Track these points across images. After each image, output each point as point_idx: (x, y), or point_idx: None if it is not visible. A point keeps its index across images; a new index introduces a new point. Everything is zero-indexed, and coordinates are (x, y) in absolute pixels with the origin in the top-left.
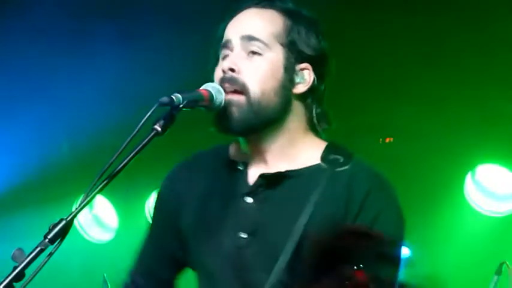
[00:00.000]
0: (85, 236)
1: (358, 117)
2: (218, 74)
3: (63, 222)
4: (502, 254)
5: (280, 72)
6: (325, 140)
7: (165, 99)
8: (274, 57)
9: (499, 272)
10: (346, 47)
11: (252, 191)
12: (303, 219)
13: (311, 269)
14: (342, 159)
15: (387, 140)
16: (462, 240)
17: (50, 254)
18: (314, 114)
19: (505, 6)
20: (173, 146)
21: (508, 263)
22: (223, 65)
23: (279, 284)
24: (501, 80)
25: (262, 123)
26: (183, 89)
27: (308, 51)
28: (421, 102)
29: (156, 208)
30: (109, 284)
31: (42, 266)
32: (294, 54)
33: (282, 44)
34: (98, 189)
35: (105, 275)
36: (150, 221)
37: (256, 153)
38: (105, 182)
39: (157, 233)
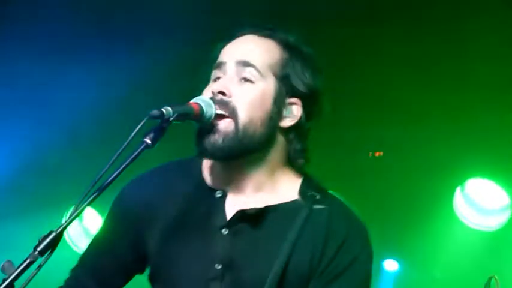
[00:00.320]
0: (74, 248)
1: (348, 131)
2: (207, 94)
3: (53, 234)
4: (491, 268)
5: (269, 103)
6: (300, 172)
7: (155, 112)
8: (266, 87)
9: (488, 286)
10: (336, 62)
11: (229, 224)
12: (281, 260)
13: None
14: (318, 196)
15: (377, 154)
16: (451, 254)
17: (40, 266)
18: (294, 150)
19: (493, 22)
20: (164, 159)
21: (496, 277)
22: (213, 87)
23: None
24: (490, 95)
25: (245, 151)
26: (174, 101)
27: (300, 87)
28: (411, 116)
29: (116, 212)
30: None
31: (32, 278)
32: (286, 88)
33: (275, 76)
34: (87, 202)
35: None
36: (105, 222)
37: (235, 181)
38: (95, 194)
39: (113, 239)
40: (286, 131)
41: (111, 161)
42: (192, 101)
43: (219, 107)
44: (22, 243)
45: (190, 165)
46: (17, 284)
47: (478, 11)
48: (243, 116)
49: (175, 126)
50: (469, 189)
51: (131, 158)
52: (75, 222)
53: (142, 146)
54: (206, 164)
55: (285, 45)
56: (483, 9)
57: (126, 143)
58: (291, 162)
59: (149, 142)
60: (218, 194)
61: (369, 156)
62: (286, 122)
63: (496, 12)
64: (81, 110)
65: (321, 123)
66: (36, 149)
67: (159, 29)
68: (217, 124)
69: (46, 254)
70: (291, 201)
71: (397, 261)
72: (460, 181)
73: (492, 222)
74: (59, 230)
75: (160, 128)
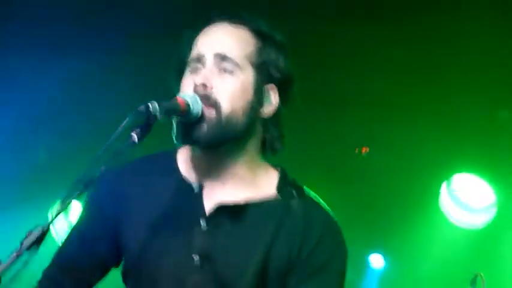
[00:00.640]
0: (60, 242)
1: (334, 127)
2: (188, 86)
3: (40, 229)
4: (477, 265)
5: (250, 92)
6: (276, 166)
7: (141, 108)
8: (245, 78)
9: (473, 283)
10: (324, 58)
11: (208, 218)
12: (259, 255)
13: None
14: (295, 193)
15: (363, 150)
16: (437, 252)
17: (26, 261)
18: (272, 136)
19: (483, 22)
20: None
21: (482, 275)
22: (195, 80)
23: None
24: (478, 91)
25: (227, 139)
26: (161, 95)
27: (276, 73)
28: (398, 112)
29: (90, 208)
30: None
31: (19, 272)
32: (263, 76)
33: (252, 65)
34: (73, 196)
35: None
36: (80, 218)
37: (213, 173)
38: (81, 189)
39: (88, 234)
40: (265, 118)
41: (98, 156)
42: (178, 97)
43: (202, 100)
44: (7, 238)
45: (165, 159)
46: (4, 278)
47: (468, 11)
48: (225, 107)
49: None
50: (455, 185)
51: (117, 153)
52: (61, 217)
53: (128, 142)
54: (182, 157)
55: (258, 33)
56: (473, 9)
57: (112, 138)
58: (268, 149)
59: (135, 138)
60: (196, 187)
61: (355, 152)
62: (265, 110)
63: (486, 12)
64: (69, 105)
65: (309, 119)
66: (23, 143)
67: (144, 24)
68: (203, 116)
69: (33, 248)
70: (269, 197)
71: (383, 257)
72: (447, 176)
73: (478, 221)
74: (46, 224)
75: (147, 123)
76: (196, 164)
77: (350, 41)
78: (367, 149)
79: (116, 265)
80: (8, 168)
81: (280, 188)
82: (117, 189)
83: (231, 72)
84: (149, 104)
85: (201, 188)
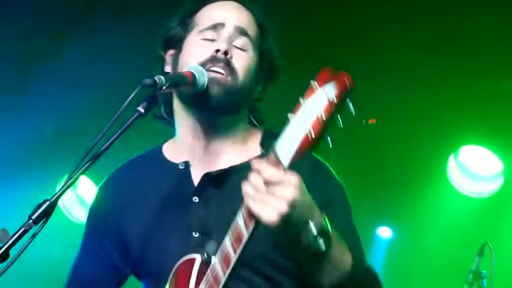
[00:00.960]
0: (68, 216)
1: None
2: (204, 53)
3: (48, 202)
4: (484, 235)
5: (255, 71)
6: (260, 127)
7: (148, 80)
8: (254, 58)
9: (481, 253)
10: (329, 29)
11: (198, 190)
12: None
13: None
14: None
15: (370, 122)
16: (445, 222)
17: (34, 235)
18: (257, 114)
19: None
20: (156, 127)
21: (489, 244)
22: (220, 46)
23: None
24: (484, 62)
25: (237, 107)
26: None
27: (269, 63)
28: (405, 83)
29: (91, 223)
30: None
31: (27, 246)
32: (263, 62)
33: (258, 48)
34: (81, 170)
35: None
36: (84, 236)
37: (202, 147)
38: (88, 163)
39: (95, 246)
40: (252, 101)
41: (105, 130)
42: (184, 69)
43: (223, 66)
44: (16, 212)
45: (151, 154)
46: (12, 251)
47: None
48: (241, 77)
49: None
50: (462, 157)
51: (124, 126)
52: (69, 190)
53: (136, 115)
54: (167, 146)
55: (258, 19)
56: None
57: (119, 112)
58: (254, 121)
59: (142, 111)
60: (181, 166)
61: (362, 124)
62: (255, 95)
63: None
64: (75, 81)
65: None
66: (30, 118)
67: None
68: (216, 80)
69: (41, 223)
70: (254, 157)
71: (391, 228)
72: (454, 148)
73: (485, 189)
74: (54, 198)
75: (153, 96)
76: (183, 146)
77: (361, 14)
78: (374, 120)
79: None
80: (15, 144)
81: (263, 143)
82: (112, 198)
83: (244, 50)
84: (155, 77)
85: (186, 165)
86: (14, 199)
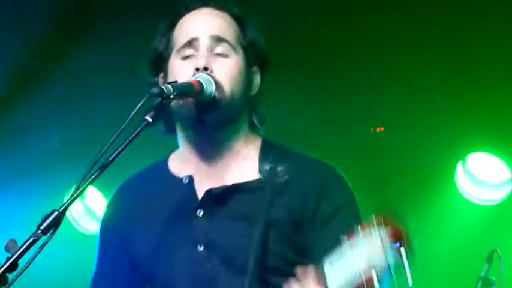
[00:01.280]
0: (76, 227)
1: (349, 107)
2: (185, 72)
3: (56, 213)
4: (493, 242)
5: (243, 74)
6: (260, 138)
7: (155, 90)
8: (239, 60)
9: (489, 260)
10: (335, 36)
11: (202, 205)
12: (258, 229)
13: None
14: (279, 169)
15: (378, 130)
16: (453, 229)
17: (43, 245)
18: (258, 113)
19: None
20: (164, 136)
21: (498, 251)
22: (197, 64)
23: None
24: (491, 70)
25: (230, 120)
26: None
27: (259, 55)
28: (412, 91)
29: (104, 237)
30: None
31: (35, 256)
32: (250, 59)
33: (242, 47)
34: (89, 180)
35: None
36: (99, 255)
37: (202, 163)
38: (96, 173)
39: (111, 260)
40: (251, 98)
41: (112, 140)
42: (192, 78)
43: None
44: (25, 222)
45: (157, 166)
46: (20, 262)
47: None
48: (227, 89)
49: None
50: (470, 164)
51: (132, 136)
52: (77, 201)
53: (143, 124)
54: (172, 158)
55: (238, 17)
56: None
57: (126, 121)
58: (255, 123)
59: (150, 120)
60: (185, 180)
61: (370, 132)
62: (253, 91)
63: None
64: (83, 92)
65: (322, 100)
66: (38, 128)
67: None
68: (216, 98)
69: (49, 233)
70: (255, 180)
71: None
72: (462, 156)
73: (494, 196)
74: (62, 209)
75: (161, 105)
76: (187, 159)
77: (366, 21)
78: (382, 129)
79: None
80: (23, 155)
81: (261, 169)
82: (120, 214)
83: (226, 56)
84: (163, 86)
85: (191, 179)
86: (22, 209)
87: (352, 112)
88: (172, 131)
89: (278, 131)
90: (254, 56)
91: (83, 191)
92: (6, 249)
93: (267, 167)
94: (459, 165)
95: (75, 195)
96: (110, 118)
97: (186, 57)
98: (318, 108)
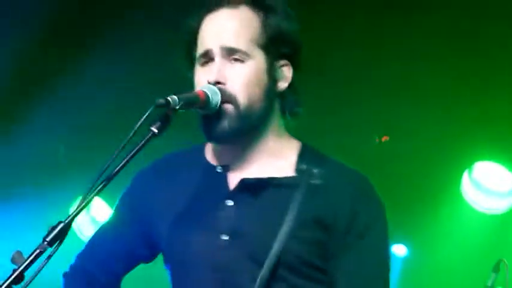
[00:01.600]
0: (82, 238)
1: (355, 116)
2: (201, 83)
3: (62, 224)
4: (500, 251)
5: (264, 76)
6: (297, 140)
7: (161, 101)
8: (257, 63)
9: (496, 269)
10: (341, 44)
11: (233, 195)
12: (286, 227)
13: None
14: (316, 170)
15: (383, 139)
16: (459, 238)
17: (49, 257)
18: (291, 105)
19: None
20: (170, 148)
21: (505, 260)
22: (209, 78)
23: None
24: (498, 79)
25: (248, 129)
26: (179, 89)
27: (286, 47)
28: (417, 100)
29: (124, 203)
30: None
31: (42, 268)
32: (273, 55)
33: (260, 47)
34: (95, 192)
35: None
36: (114, 212)
37: (237, 156)
38: (102, 184)
39: (122, 227)
40: (282, 93)
41: (118, 151)
42: (198, 89)
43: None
44: (30, 234)
45: (193, 151)
46: (27, 274)
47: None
48: (241, 98)
49: (182, 114)
50: (476, 173)
51: (138, 147)
52: (83, 212)
53: (149, 135)
54: (209, 146)
55: (260, 7)
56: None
57: (132, 133)
58: (288, 115)
59: (155, 131)
60: (219, 169)
61: (375, 142)
62: (281, 86)
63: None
64: (88, 101)
65: (328, 109)
66: (44, 138)
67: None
68: (222, 109)
69: (55, 244)
70: (291, 176)
71: (406, 245)
72: (468, 164)
73: (500, 205)
74: (68, 220)
75: (166, 116)
76: (221, 150)
77: (368, 27)
78: (387, 138)
79: (145, 260)
80: (28, 166)
81: (299, 168)
82: (149, 184)
83: (242, 61)
84: (168, 97)
85: (224, 169)
86: (27, 221)
87: (358, 121)
88: None
89: None
90: (279, 49)
91: (89, 202)
92: (13, 260)
93: (303, 166)
94: (465, 174)
95: (81, 206)
96: (114, 124)
97: (204, 64)
98: (324, 117)
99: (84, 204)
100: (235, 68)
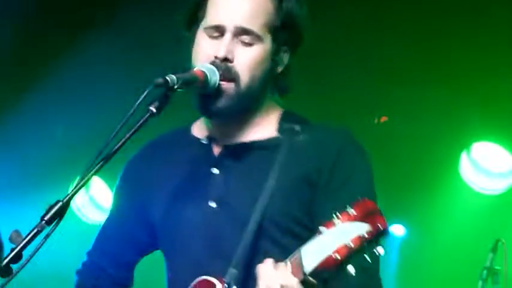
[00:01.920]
0: (81, 217)
1: (354, 97)
2: (206, 55)
3: (60, 203)
4: (497, 231)
5: (268, 61)
6: (282, 108)
7: (159, 80)
8: (265, 47)
9: (494, 249)
10: (340, 27)
11: (218, 162)
12: (270, 184)
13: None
14: (297, 128)
15: (382, 120)
16: (458, 219)
17: (47, 236)
18: (282, 87)
19: None
20: (169, 127)
21: (503, 240)
22: (217, 52)
23: (250, 247)
24: (496, 58)
25: (243, 109)
26: (177, 69)
27: (294, 34)
28: (416, 80)
29: (119, 194)
30: None
31: (40, 247)
32: (280, 41)
33: (271, 32)
34: (94, 171)
35: None
36: (112, 203)
37: (223, 129)
38: (101, 164)
39: (121, 216)
40: (276, 75)
41: (117, 130)
42: (196, 68)
43: (223, 73)
44: (28, 213)
45: (182, 130)
46: (25, 253)
47: None
48: (244, 79)
49: (180, 94)
50: (474, 153)
51: (136, 126)
52: (82, 191)
53: (148, 115)
54: (196, 123)
55: None
56: None
57: (131, 112)
58: (278, 92)
59: (154, 110)
60: (204, 141)
61: (374, 122)
62: (278, 69)
63: None
64: (86, 81)
65: (326, 90)
66: (42, 119)
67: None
68: (221, 88)
69: (53, 224)
70: (273, 137)
71: (404, 226)
72: (466, 145)
73: (498, 186)
74: (66, 199)
75: (165, 96)
76: (209, 126)
77: (369, 7)
78: (386, 118)
79: (153, 247)
80: (27, 146)
81: (280, 128)
82: (138, 173)
83: (250, 45)
84: (167, 76)
85: (210, 140)
86: (25, 200)
87: (357, 102)
88: None
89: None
90: (286, 35)
91: (87, 181)
92: (10, 240)
93: (286, 126)
94: (463, 155)
95: (79, 185)
96: (115, 107)
97: (212, 37)
98: (322, 99)
99: (82, 183)
100: (243, 50)
